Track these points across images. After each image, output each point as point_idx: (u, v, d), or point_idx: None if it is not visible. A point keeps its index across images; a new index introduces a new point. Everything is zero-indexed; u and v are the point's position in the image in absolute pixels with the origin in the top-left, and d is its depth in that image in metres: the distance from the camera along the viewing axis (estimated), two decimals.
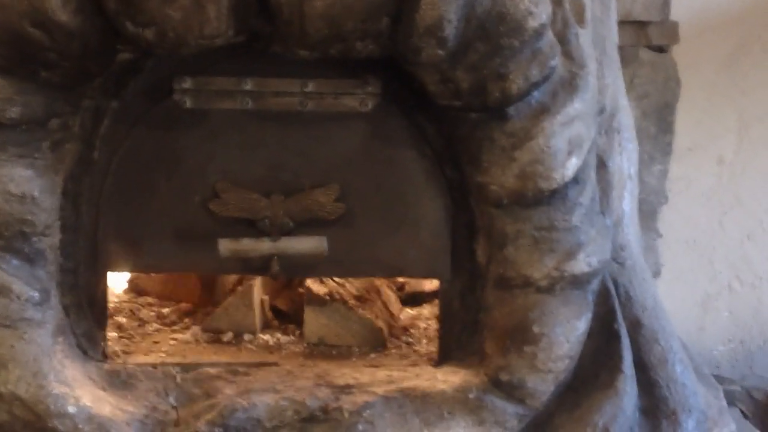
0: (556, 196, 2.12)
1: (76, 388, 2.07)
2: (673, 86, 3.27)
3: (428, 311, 2.75)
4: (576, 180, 2.13)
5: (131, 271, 2.62)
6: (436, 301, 2.65)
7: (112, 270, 2.29)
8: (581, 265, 2.14)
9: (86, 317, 2.22)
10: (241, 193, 2.23)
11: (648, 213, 3.34)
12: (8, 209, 1.99)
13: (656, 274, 3.38)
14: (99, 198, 2.22)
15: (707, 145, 3.39)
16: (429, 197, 2.29)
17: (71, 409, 2.03)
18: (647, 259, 3.25)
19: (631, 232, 2.40)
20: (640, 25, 3.22)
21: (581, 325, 2.16)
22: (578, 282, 2.16)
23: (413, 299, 2.85)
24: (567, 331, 2.14)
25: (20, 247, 2.03)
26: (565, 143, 2.09)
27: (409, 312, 2.79)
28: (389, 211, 2.29)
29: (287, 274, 2.32)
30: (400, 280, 2.87)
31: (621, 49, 3.14)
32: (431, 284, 2.76)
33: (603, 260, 2.19)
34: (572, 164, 2.10)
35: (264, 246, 2.20)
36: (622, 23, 3.14)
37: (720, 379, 3.14)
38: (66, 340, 2.14)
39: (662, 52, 3.28)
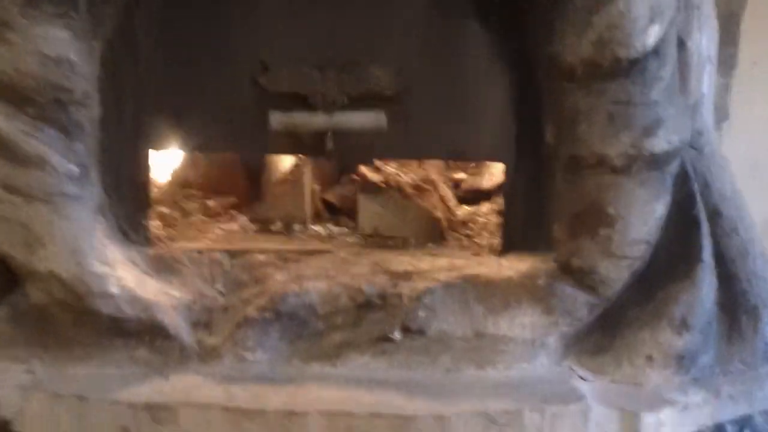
0: (634, 67, 1.93)
1: (118, 269, 1.94)
2: None
3: (486, 208, 2.59)
4: (656, 51, 1.94)
5: (175, 149, 2.44)
6: (494, 199, 2.50)
7: (156, 148, 2.13)
8: (661, 142, 1.95)
9: (128, 199, 2.08)
10: (292, 67, 2.07)
11: None
12: (42, 72, 1.81)
13: None
14: (141, 73, 2.06)
15: None
16: (493, 73, 2.11)
17: (114, 290, 1.90)
18: None
19: (709, 117, 2.22)
20: None
21: (659, 208, 1.99)
22: (656, 162, 1.98)
23: (470, 198, 2.68)
24: (645, 214, 1.97)
25: (56, 117, 1.87)
26: (646, 9, 1.90)
27: (467, 209, 2.62)
28: (450, 88, 2.12)
29: (341, 156, 2.16)
30: (457, 177, 2.71)
31: None
32: (489, 181, 2.61)
33: (683, 140, 2.01)
34: (654, 32, 1.91)
35: (318, 120, 2.04)
36: None
37: None
38: (106, 222, 2.01)
39: None
